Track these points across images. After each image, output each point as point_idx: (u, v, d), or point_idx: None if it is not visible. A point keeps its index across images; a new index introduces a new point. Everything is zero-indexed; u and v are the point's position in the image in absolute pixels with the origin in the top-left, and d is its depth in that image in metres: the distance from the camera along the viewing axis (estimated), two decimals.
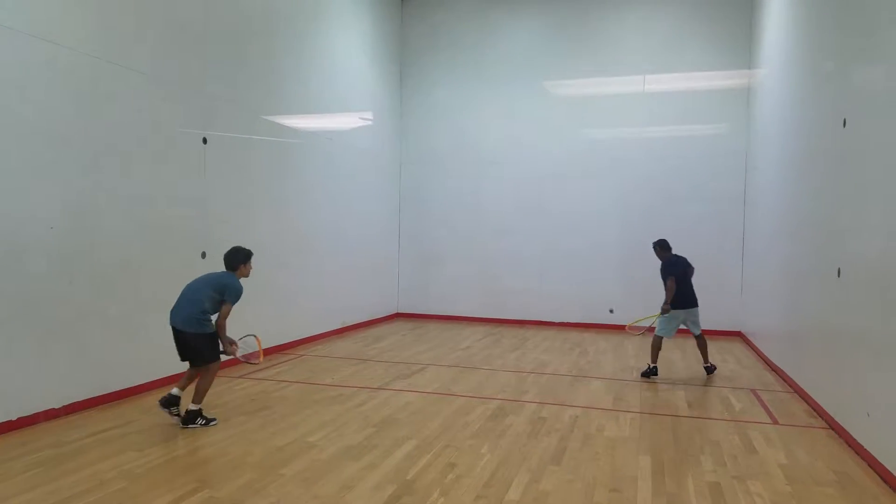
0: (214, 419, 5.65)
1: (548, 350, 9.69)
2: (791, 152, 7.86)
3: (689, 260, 8.07)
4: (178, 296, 5.59)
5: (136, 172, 6.49)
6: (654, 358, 7.82)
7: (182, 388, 5.62)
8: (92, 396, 6.03)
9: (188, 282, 5.66)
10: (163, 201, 6.83)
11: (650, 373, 7.79)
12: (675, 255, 7.98)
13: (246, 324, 5.94)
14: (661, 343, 7.84)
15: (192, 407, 5.52)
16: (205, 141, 7.39)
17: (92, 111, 5.97)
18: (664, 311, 7.68)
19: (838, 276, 5.66)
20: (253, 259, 5.87)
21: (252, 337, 6.08)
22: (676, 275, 7.70)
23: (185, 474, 4.45)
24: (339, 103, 10.89)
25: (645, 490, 4.32)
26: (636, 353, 9.48)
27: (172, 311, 5.55)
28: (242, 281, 5.75)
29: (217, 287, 5.54)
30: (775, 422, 6.03)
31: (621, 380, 7.73)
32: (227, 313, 5.55)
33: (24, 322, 5.37)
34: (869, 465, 4.82)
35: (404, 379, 7.56)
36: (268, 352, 8.58)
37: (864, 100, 5.28)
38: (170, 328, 5.54)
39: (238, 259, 5.74)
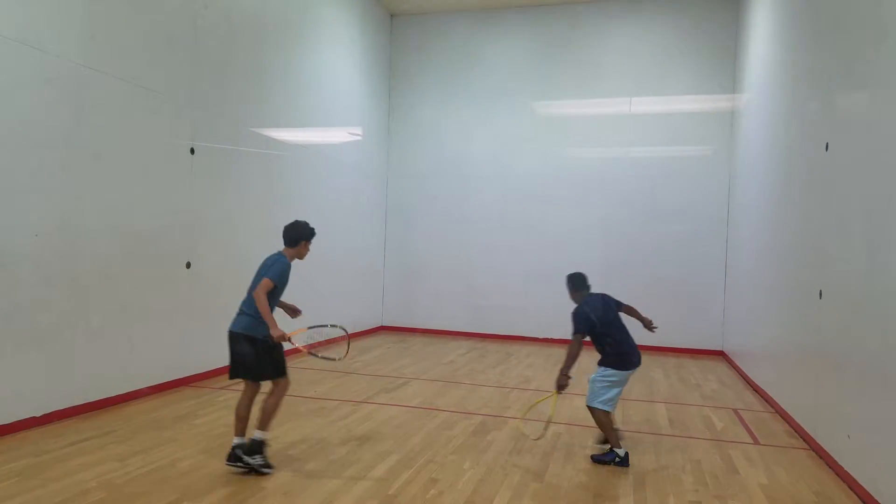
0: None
1: (531, 366, 9.70)
2: (774, 175, 7.97)
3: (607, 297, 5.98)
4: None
5: (122, 181, 6.46)
6: (615, 440, 5.25)
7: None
8: (73, 405, 5.96)
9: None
10: (148, 211, 6.80)
11: (617, 461, 5.18)
12: (594, 295, 5.83)
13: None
14: (610, 418, 5.30)
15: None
16: (192, 151, 7.37)
17: (78, 119, 5.94)
18: (561, 388, 5.26)
19: (820, 297, 5.73)
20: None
21: (331, 327, 5.26)
22: (592, 327, 5.43)
23: (165, 485, 4.41)
24: (327, 117, 10.90)
25: None
26: None
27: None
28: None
29: (262, 268, 4.77)
30: (756, 442, 6.08)
31: None
32: (263, 288, 4.63)
33: (5, 330, 5.31)
34: (849, 487, 4.86)
35: (388, 392, 7.54)
36: None
37: (846, 124, 5.38)
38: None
39: (300, 234, 4.86)
